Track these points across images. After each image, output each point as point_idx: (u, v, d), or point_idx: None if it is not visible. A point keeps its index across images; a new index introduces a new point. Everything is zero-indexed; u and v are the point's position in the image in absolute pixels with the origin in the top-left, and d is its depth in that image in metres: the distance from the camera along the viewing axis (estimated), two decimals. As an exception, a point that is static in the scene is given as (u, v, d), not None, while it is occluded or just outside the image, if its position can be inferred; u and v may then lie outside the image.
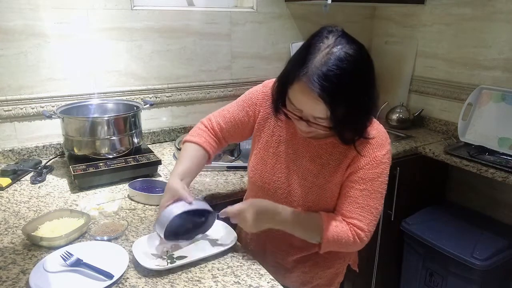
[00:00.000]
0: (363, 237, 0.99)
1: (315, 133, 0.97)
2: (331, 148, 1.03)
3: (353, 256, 1.24)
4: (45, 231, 1.07)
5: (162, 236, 0.97)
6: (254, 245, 1.20)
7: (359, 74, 0.86)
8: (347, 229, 0.99)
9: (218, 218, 1.06)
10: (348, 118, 0.89)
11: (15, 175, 1.44)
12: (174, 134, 1.95)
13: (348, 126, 0.92)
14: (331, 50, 0.85)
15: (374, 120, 1.03)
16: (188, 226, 1.04)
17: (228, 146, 1.68)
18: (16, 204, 1.28)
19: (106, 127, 1.45)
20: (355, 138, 0.96)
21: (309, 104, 0.88)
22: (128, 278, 0.93)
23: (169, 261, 0.97)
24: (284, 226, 1.02)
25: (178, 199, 0.99)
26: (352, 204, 1.00)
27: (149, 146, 1.75)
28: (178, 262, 0.97)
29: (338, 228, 0.98)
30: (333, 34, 0.88)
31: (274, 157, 1.10)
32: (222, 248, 1.02)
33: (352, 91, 0.86)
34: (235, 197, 1.41)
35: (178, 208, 0.96)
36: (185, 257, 0.99)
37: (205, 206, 1.03)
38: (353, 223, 0.99)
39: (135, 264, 0.97)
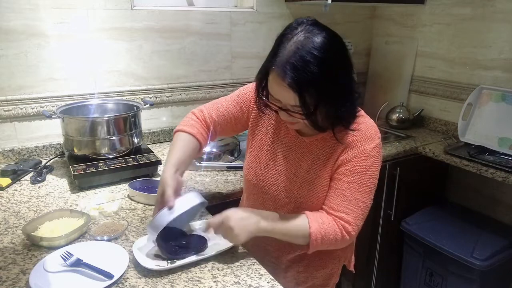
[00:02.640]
0: (350, 231, 0.98)
1: (300, 125, 0.98)
2: (321, 143, 1.04)
3: (348, 256, 1.24)
4: (45, 231, 1.07)
5: (154, 239, 0.97)
6: (252, 245, 1.21)
7: (328, 61, 0.86)
8: (333, 224, 0.98)
9: (204, 231, 1.04)
10: (321, 105, 0.89)
11: (15, 175, 1.44)
12: (174, 134, 1.95)
13: (323, 114, 0.92)
14: (298, 39, 0.87)
15: (364, 114, 1.04)
16: (180, 223, 1.05)
17: (228, 146, 1.69)
18: (16, 204, 1.28)
19: (106, 127, 1.45)
20: (334, 125, 0.96)
21: (282, 93, 0.90)
22: (128, 278, 0.93)
23: (169, 261, 0.97)
24: (271, 230, 0.99)
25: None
26: (340, 196, 0.99)
27: (149, 146, 1.75)
28: (178, 262, 0.96)
29: (324, 224, 0.98)
30: (302, 24, 0.90)
31: (268, 154, 1.11)
32: (222, 248, 1.02)
33: (321, 78, 0.86)
34: (235, 197, 1.41)
35: (166, 217, 0.94)
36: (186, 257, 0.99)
37: (193, 201, 1.00)
38: (340, 217, 0.98)
39: (135, 264, 0.97)
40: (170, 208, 0.95)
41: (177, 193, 0.99)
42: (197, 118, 1.16)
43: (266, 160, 1.11)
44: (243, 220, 0.96)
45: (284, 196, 1.08)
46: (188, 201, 0.99)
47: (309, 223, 0.97)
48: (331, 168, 1.03)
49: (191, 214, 1.10)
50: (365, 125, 1.02)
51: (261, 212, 1.02)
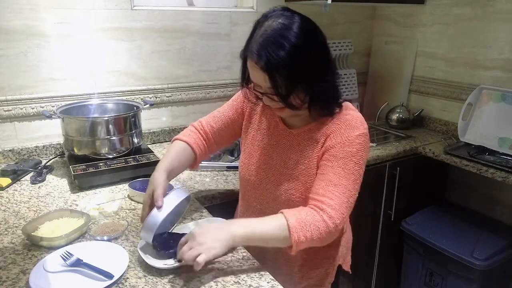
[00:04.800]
0: (333, 217, 0.93)
1: (287, 112, 1.00)
2: (308, 134, 1.06)
3: (343, 255, 1.23)
4: (45, 231, 1.07)
5: (150, 241, 0.97)
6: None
7: (297, 42, 0.89)
8: (312, 212, 0.94)
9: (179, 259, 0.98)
10: (293, 85, 0.92)
11: (15, 175, 1.44)
12: (174, 134, 1.93)
13: (297, 94, 0.94)
14: (269, 23, 0.92)
15: (353, 107, 1.07)
16: (170, 222, 1.08)
17: (228, 146, 1.69)
18: (16, 204, 1.28)
19: (106, 127, 1.45)
20: (310, 105, 0.98)
21: (257, 75, 0.94)
22: (128, 278, 0.93)
23: (176, 259, 0.97)
24: (246, 236, 0.91)
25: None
26: (324, 181, 0.98)
27: (149, 146, 1.75)
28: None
29: (302, 215, 0.93)
30: (275, 11, 0.95)
31: (259, 149, 1.14)
32: None
33: (290, 58, 0.89)
34: (235, 196, 1.41)
35: (159, 215, 0.96)
36: None
37: (180, 196, 1.01)
38: (323, 201, 0.94)
39: (135, 264, 0.97)
40: (159, 207, 0.96)
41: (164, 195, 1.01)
42: (195, 128, 1.21)
43: (257, 155, 1.14)
44: (212, 233, 0.89)
45: (276, 188, 1.10)
46: (175, 197, 1.00)
47: (286, 218, 0.92)
48: (317, 156, 1.04)
49: (179, 211, 1.12)
50: (351, 116, 1.04)
51: (232, 221, 0.98)
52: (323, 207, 0.94)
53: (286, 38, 0.89)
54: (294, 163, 1.07)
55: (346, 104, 1.07)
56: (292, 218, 0.93)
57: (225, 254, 1.01)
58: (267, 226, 0.93)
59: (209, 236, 0.89)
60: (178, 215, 1.13)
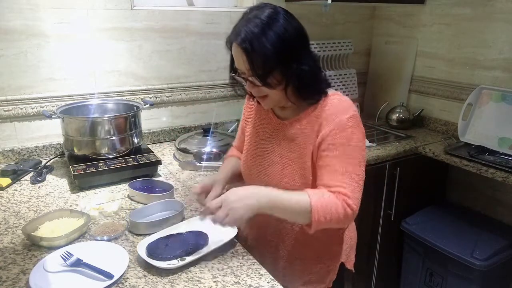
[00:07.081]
0: (350, 204, 0.97)
1: (271, 101, 1.05)
2: (299, 122, 1.08)
3: (347, 253, 1.23)
4: (45, 231, 1.07)
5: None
6: (252, 238, 1.24)
7: (275, 28, 0.96)
8: (333, 196, 0.97)
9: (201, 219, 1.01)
10: (270, 66, 0.96)
11: (15, 175, 1.44)
12: (174, 134, 1.95)
13: (275, 76, 0.98)
14: (253, 12, 1.00)
15: (339, 93, 1.09)
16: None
17: (227, 146, 1.68)
18: (16, 204, 1.28)
19: (106, 127, 1.45)
20: (287, 85, 1.01)
21: (238, 57, 0.99)
22: (128, 278, 0.93)
23: (179, 258, 0.98)
24: (271, 205, 0.97)
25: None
26: (332, 172, 1.00)
27: (149, 146, 1.75)
28: (188, 259, 0.97)
29: (324, 196, 0.97)
30: (260, 5, 1.02)
31: (254, 144, 1.18)
32: (224, 241, 1.04)
33: (267, 42, 0.95)
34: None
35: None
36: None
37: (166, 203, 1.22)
38: (338, 191, 0.98)
39: (135, 264, 0.97)
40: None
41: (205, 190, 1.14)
42: (232, 147, 1.36)
43: (253, 149, 1.18)
44: (243, 199, 0.96)
45: (272, 178, 1.12)
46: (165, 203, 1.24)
47: (309, 196, 0.96)
48: (311, 145, 1.05)
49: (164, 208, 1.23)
50: (338, 100, 1.05)
51: (260, 188, 1.01)
52: (341, 196, 0.98)
53: (268, 25, 0.95)
54: (287, 151, 1.10)
55: (332, 91, 1.09)
56: (315, 197, 0.96)
57: (226, 252, 1.03)
58: (291, 200, 0.97)
59: (239, 203, 0.94)
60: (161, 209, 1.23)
